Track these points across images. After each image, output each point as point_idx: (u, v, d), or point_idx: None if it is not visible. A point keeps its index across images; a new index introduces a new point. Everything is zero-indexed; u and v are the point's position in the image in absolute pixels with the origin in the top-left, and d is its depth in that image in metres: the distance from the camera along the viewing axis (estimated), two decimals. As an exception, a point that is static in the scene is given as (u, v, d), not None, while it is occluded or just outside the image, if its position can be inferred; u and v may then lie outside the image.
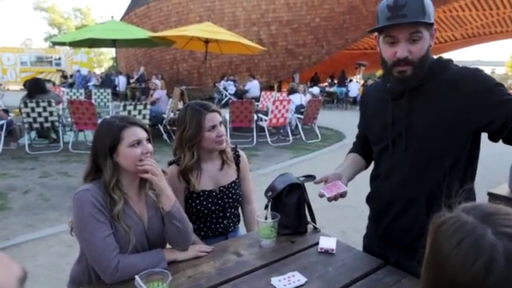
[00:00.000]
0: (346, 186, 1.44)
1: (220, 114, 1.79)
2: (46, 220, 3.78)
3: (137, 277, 1.08)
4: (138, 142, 1.38)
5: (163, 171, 1.45)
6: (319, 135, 8.48)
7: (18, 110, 6.69)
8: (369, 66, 19.91)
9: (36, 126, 6.43)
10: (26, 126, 6.40)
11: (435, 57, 1.36)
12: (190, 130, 1.70)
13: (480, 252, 0.50)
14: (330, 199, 1.39)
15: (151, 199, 1.46)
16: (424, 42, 1.24)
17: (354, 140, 1.70)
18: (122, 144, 1.36)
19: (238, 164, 1.89)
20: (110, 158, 1.36)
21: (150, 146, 1.41)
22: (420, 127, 1.30)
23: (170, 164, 1.78)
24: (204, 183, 1.76)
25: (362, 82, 17.67)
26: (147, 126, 1.47)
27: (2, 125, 6.35)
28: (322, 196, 1.40)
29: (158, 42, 10.41)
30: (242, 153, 1.93)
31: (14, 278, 0.45)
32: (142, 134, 1.40)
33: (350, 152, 1.68)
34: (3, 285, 0.43)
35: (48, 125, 6.52)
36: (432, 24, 1.25)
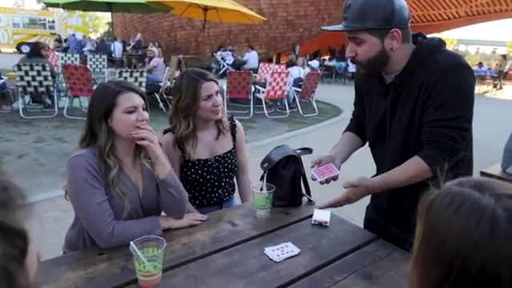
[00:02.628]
0: (339, 168, 1.47)
1: (217, 83, 1.75)
2: (41, 185, 3.79)
3: (132, 243, 1.08)
4: (134, 109, 1.35)
5: (159, 143, 1.43)
6: (316, 109, 8.45)
7: (12, 73, 6.56)
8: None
9: (30, 89, 6.32)
10: (20, 89, 6.28)
11: (429, 36, 1.35)
12: (186, 99, 1.67)
13: (481, 212, 0.50)
14: (321, 183, 1.43)
15: (146, 168, 1.44)
16: (369, 45, 1.26)
17: (351, 117, 1.70)
18: (117, 109, 1.33)
19: (234, 134, 1.88)
20: (104, 123, 1.34)
21: (145, 114, 1.38)
22: (401, 121, 1.34)
23: (166, 132, 1.76)
24: (199, 152, 1.75)
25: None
26: (144, 93, 1.44)
27: (-5, 88, 6.25)
28: (314, 179, 1.45)
29: (155, 7, 10.08)
30: (238, 123, 1.91)
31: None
32: (138, 101, 1.36)
33: (346, 130, 1.68)
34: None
35: (42, 89, 6.41)
36: (385, 28, 1.23)
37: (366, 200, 1.63)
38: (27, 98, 6.90)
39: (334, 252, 1.32)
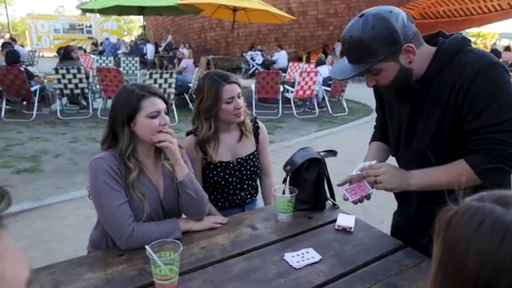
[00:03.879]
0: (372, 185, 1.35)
1: (239, 86, 1.73)
2: (74, 183, 3.94)
3: (147, 247, 1.08)
4: (157, 113, 1.35)
5: (179, 146, 1.43)
6: (346, 108, 8.26)
7: (51, 77, 6.90)
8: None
9: (67, 92, 6.61)
10: (58, 92, 6.59)
11: (451, 35, 1.23)
12: (208, 101, 1.66)
13: (505, 229, 0.47)
14: (354, 202, 1.34)
15: (167, 169, 1.44)
16: (387, 71, 1.18)
17: (375, 124, 1.62)
18: (141, 114, 1.33)
19: (257, 136, 1.85)
20: (127, 127, 1.35)
21: (167, 118, 1.39)
22: (427, 128, 1.24)
23: (188, 134, 1.76)
24: (221, 154, 1.74)
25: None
26: (170, 96, 1.44)
27: (36, 90, 6.57)
28: (346, 199, 1.36)
29: (185, 9, 10.28)
30: (261, 124, 1.88)
31: (23, 278, 0.43)
32: (162, 106, 1.37)
33: (372, 140, 1.60)
34: (13, 281, 0.41)
35: (78, 91, 6.68)
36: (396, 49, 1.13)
37: (394, 205, 1.56)
38: (64, 100, 7.22)
39: (358, 260, 1.26)
